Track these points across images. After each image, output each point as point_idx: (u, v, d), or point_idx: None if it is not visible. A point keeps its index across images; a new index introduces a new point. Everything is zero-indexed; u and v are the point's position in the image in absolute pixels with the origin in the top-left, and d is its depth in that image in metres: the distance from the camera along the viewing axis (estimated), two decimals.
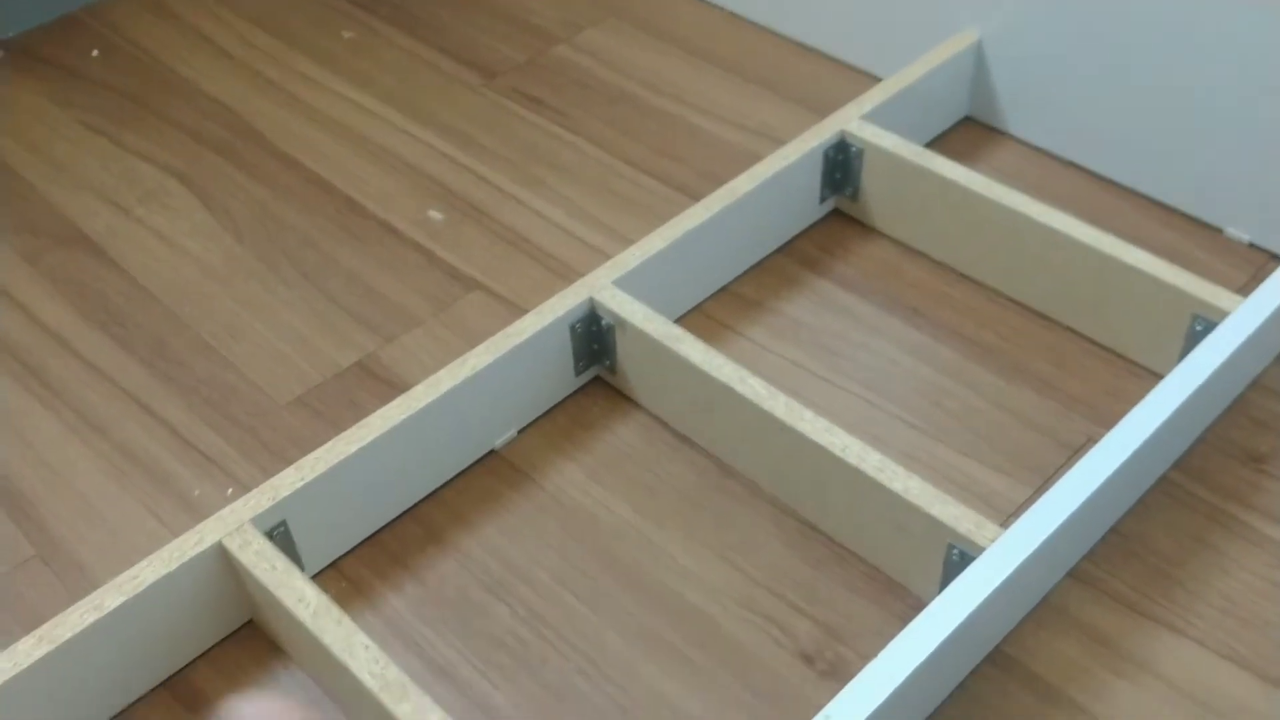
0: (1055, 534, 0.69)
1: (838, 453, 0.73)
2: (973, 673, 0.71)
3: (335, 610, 0.67)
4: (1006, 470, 0.82)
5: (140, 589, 0.68)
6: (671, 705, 0.71)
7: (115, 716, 0.71)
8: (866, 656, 0.71)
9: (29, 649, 0.65)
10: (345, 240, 1.03)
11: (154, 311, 0.98)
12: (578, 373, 0.88)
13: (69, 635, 0.66)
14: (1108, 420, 0.84)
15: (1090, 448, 0.73)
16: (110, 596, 0.67)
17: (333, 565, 0.79)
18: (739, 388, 0.77)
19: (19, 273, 1.02)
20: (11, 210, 1.08)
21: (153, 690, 0.73)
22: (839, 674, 0.71)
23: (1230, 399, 0.86)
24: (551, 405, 0.88)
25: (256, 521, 0.72)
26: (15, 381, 0.92)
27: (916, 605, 0.74)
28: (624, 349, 0.85)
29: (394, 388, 0.90)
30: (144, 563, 0.69)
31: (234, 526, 0.71)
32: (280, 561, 0.70)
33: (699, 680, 0.72)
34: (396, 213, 1.06)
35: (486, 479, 0.84)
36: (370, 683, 0.64)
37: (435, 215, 1.05)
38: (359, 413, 0.85)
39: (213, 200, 1.08)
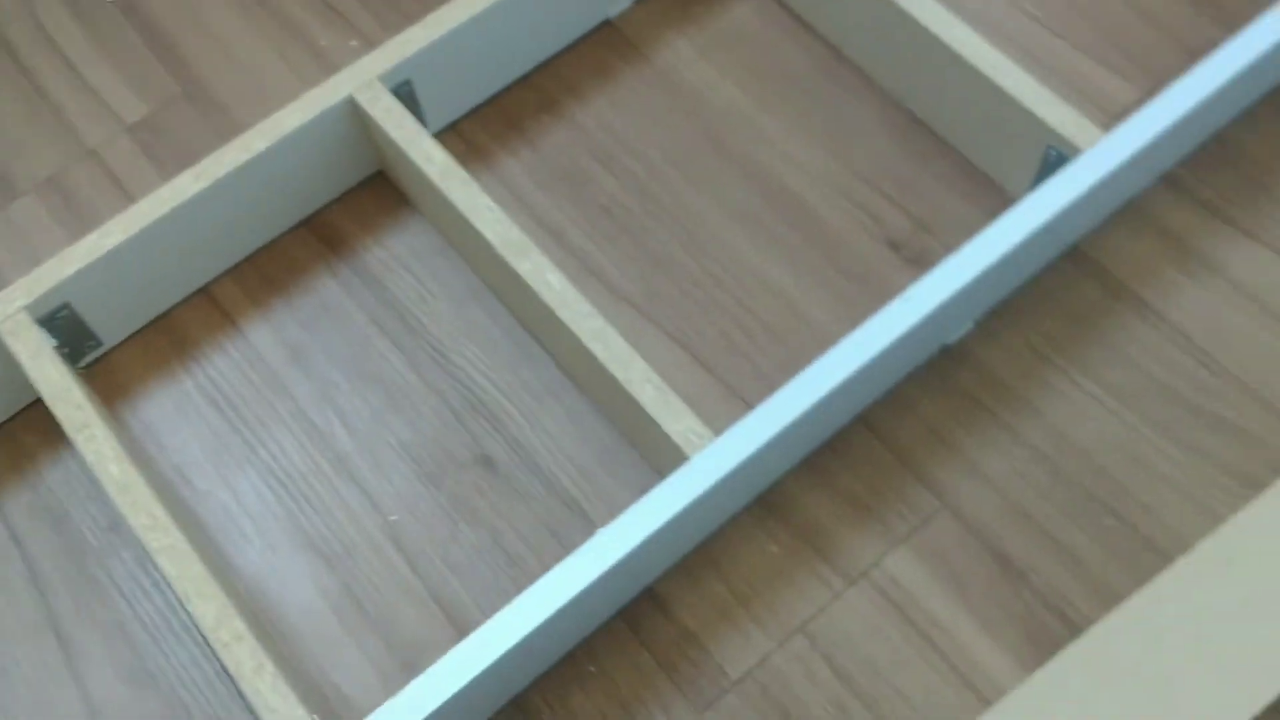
0: (1153, 143, 0.70)
1: (956, 48, 0.73)
2: (1046, 267, 0.76)
3: (460, 171, 0.73)
4: (1122, 71, 0.81)
5: (282, 134, 0.73)
6: (762, 278, 0.77)
7: (262, 248, 0.80)
8: (951, 248, 0.76)
9: (187, 184, 0.72)
10: None
11: None
12: None
13: (223, 173, 0.72)
14: (1236, 24, 0.81)
15: (1212, 52, 0.73)
16: (257, 140, 0.73)
17: (452, 127, 0.83)
18: None
19: None
20: None
21: (294, 228, 0.81)
22: (923, 262, 0.76)
23: None
24: None
25: (384, 78, 0.75)
26: None
27: (1007, 203, 0.77)
28: None
29: None
30: (285, 110, 0.74)
31: (363, 81, 0.75)
32: (408, 120, 0.74)
33: (790, 258, 0.78)
34: None
35: (599, 50, 0.86)
36: (494, 240, 0.70)
37: None
38: None
39: None
